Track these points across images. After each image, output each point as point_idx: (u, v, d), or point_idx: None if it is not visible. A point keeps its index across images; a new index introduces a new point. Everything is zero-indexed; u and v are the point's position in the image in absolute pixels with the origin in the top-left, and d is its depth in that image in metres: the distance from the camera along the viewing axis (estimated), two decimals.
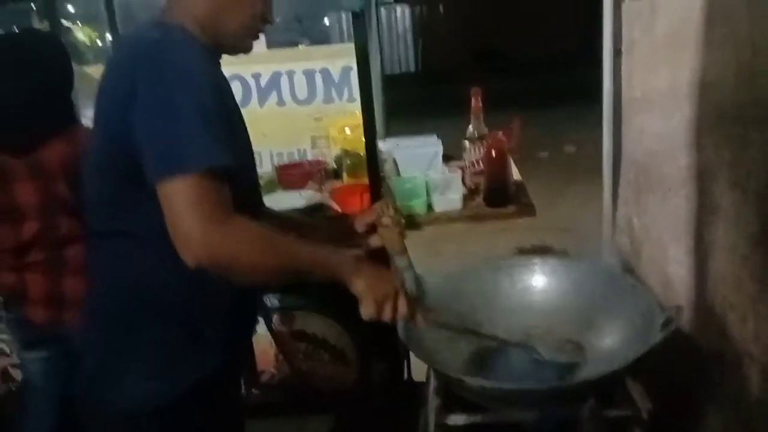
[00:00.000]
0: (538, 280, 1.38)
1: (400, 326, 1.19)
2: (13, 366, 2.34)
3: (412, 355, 2.46)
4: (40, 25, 2.56)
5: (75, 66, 2.12)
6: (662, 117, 1.43)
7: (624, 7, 1.66)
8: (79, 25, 2.67)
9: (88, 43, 2.62)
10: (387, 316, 1.11)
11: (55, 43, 1.79)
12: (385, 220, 1.25)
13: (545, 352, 1.20)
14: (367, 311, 1.10)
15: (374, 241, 1.30)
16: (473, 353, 1.26)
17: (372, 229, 1.31)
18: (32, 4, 2.62)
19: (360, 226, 1.34)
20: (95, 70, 2.51)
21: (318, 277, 1.12)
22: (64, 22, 2.24)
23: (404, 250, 1.22)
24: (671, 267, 1.40)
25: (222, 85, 1.19)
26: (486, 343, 1.26)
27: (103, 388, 1.19)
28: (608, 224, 1.88)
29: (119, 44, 1.26)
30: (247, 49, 1.25)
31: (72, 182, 1.62)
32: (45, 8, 2.10)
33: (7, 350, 2.32)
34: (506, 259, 1.48)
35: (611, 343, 1.23)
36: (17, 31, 1.83)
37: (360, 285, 1.11)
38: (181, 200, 1.00)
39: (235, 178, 1.08)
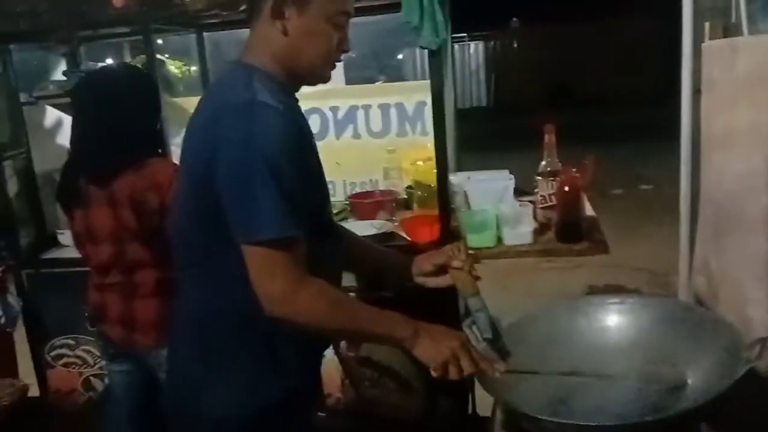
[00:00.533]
0: (615, 319, 1.36)
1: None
2: (95, 376, 2.47)
3: (477, 389, 2.45)
4: (131, 59, 2.74)
5: (166, 97, 2.28)
6: (743, 156, 1.41)
7: (704, 46, 1.65)
8: (171, 59, 2.83)
9: (179, 75, 2.79)
10: (454, 376, 1.17)
11: (145, 79, 1.92)
12: (456, 263, 1.28)
13: (639, 383, 1.17)
14: (435, 375, 1.18)
15: (434, 282, 1.36)
16: (550, 393, 1.23)
17: (441, 269, 1.34)
18: (126, 40, 2.82)
19: (428, 265, 1.38)
20: (185, 101, 2.68)
21: (379, 342, 1.26)
22: (158, 55, 2.40)
23: (477, 292, 1.24)
24: (750, 309, 1.36)
25: (298, 121, 1.27)
26: (564, 382, 1.23)
27: (192, 400, 1.30)
28: (685, 264, 1.84)
29: (208, 94, 1.36)
30: (325, 79, 1.33)
31: (139, 212, 1.72)
32: (144, 43, 2.26)
33: (90, 361, 2.46)
34: (582, 298, 1.46)
35: (696, 380, 1.19)
36: (112, 65, 1.97)
37: (422, 352, 1.20)
38: (258, 264, 1.16)
39: (309, 204, 1.21)
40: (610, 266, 4.11)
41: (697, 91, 1.71)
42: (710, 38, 1.68)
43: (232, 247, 1.18)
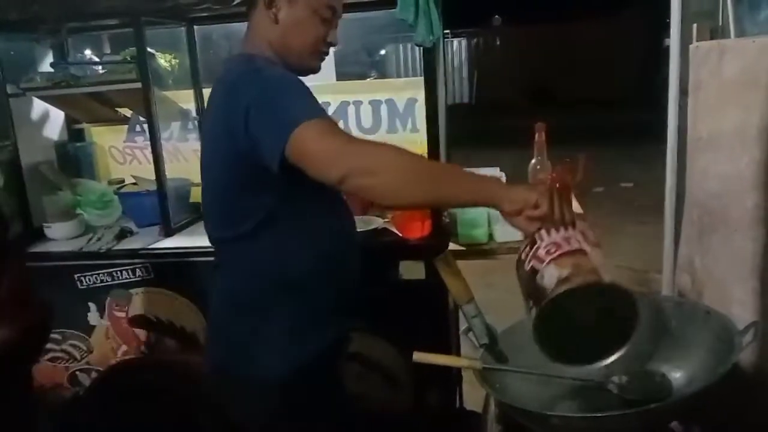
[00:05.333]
0: None
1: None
2: (82, 371, 2.45)
3: (464, 383, 2.48)
4: (119, 52, 2.71)
5: (155, 90, 2.26)
6: (729, 158, 1.44)
7: (691, 48, 1.68)
8: (160, 52, 2.81)
9: (169, 69, 2.77)
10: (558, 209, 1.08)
11: None
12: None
13: (630, 389, 1.17)
14: (542, 211, 1.08)
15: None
16: (551, 396, 1.25)
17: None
18: (115, 32, 2.78)
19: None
20: (173, 94, 2.67)
21: (461, 196, 1.18)
22: (149, 49, 2.38)
23: (472, 298, 1.26)
24: (735, 308, 1.39)
25: None
26: (563, 386, 1.25)
27: (238, 363, 1.40)
28: (669, 262, 1.88)
29: (217, 84, 1.44)
30: (314, 69, 1.44)
31: None
32: (134, 35, 2.24)
33: (77, 356, 2.44)
34: None
35: (692, 369, 1.21)
36: None
37: (516, 194, 1.10)
38: (313, 136, 1.17)
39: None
40: None
41: (683, 92, 1.75)
42: (697, 40, 1.72)
43: (264, 214, 1.29)
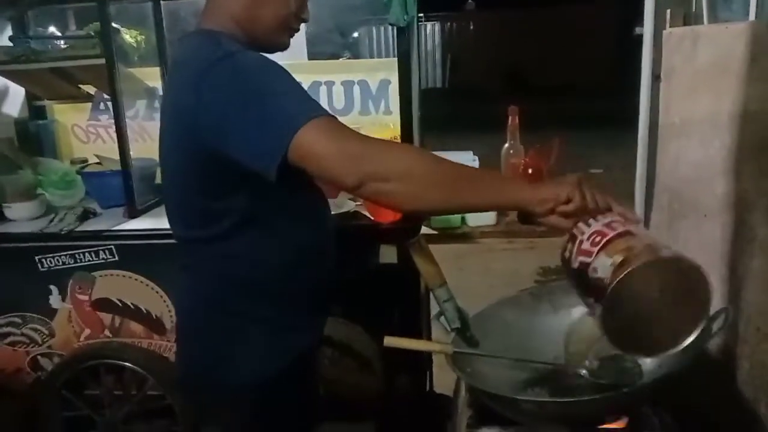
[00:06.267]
0: (579, 302, 1.37)
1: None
2: (43, 355, 2.39)
3: (435, 368, 2.48)
4: (83, 27, 2.63)
5: (120, 67, 2.20)
6: (700, 144, 1.45)
7: (665, 33, 1.68)
8: (126, 27, 2.72)
9: (134, 46, 2.68)
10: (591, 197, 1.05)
11: None
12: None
13: (601, 374, 1.17)
14: (576, 204, 1.04)
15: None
16: (522, 380, 1.24)
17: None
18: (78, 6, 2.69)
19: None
20: (139, 72, 2.59)
21: (486, 198, 1.09)
22: (114, 24, 2.30)
23: (444, 282, 1.24)
24: None
25: None
26: (534, 370, 1.24)
27: (213, 368, 1.33)
28: None
29: (175, 66, 1.31)
30: (284, 45, 1.33)
31: None
32: (98, 10, 2.16)
33: (38, 339, 2.38)
34: (545, 285, 1.47)
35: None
36: None
37: (545, 191, 1.05)
38: (321, 138, 1.03)
39: None
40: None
41: (656, 78, 1.75)
42: (671, 26, 1.72)
43: (238, 216, 1.19)
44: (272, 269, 1.27)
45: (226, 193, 1.19)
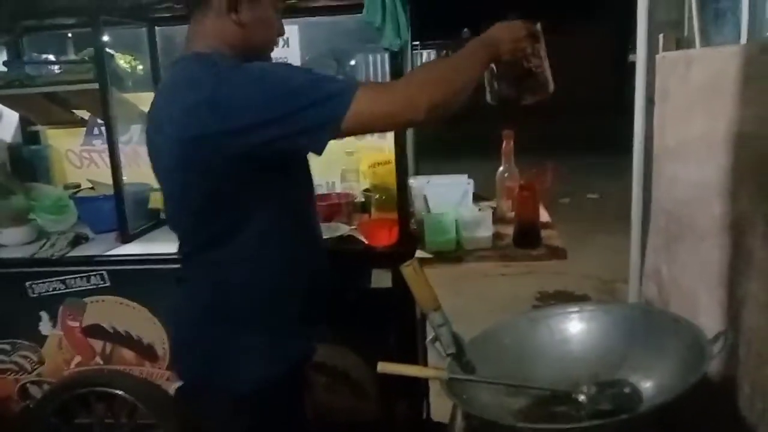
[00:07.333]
0: (577, 326, 1.35)
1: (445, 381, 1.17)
2: (33, 383, 2.35)
3: (431, 395, 2.45)
4: (77, 53, 2.64)
5: (114, 92, 2.20)
6: (696, 166, 1.44)
7: (658, 57, 1.69)
8: (120, 53, 2.73)
9: (129, 71, 2.69)
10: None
11: None
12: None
13: (600, 399, 1.15)
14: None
15: None
16: (520, 407, 1.21)
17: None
18: (73, 32, 2.71)
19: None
20: (133, 97, 2.59)
21: (477, 67, 1.40)
22: (108, 49, 2.31)
23: (438, 306, 1.22)
24: (702, 318, 1.38)
25: None
26: (532, 396, 1.21)
27: (213, 376, 1.38)
28: (635, 272, 1.88)
29: (166, 88, 1.35)
30: (269, 58, 1.44)
31: None
32: (92, 35, 2.17)
33: (28, 367, 2.34)
34: (542, 309, 1.45)
35: (662, 378, 1.19)
36: None
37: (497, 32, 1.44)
38: (370, 104, 1.20)
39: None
40: (558, 273, 4.20)
41: (650, 101, 1.76)
42: (664, 50, 1.73)
43: (240, 226, 1.28)
44: (268, 277, 1.35)
45: (225, 206, 1.28)
